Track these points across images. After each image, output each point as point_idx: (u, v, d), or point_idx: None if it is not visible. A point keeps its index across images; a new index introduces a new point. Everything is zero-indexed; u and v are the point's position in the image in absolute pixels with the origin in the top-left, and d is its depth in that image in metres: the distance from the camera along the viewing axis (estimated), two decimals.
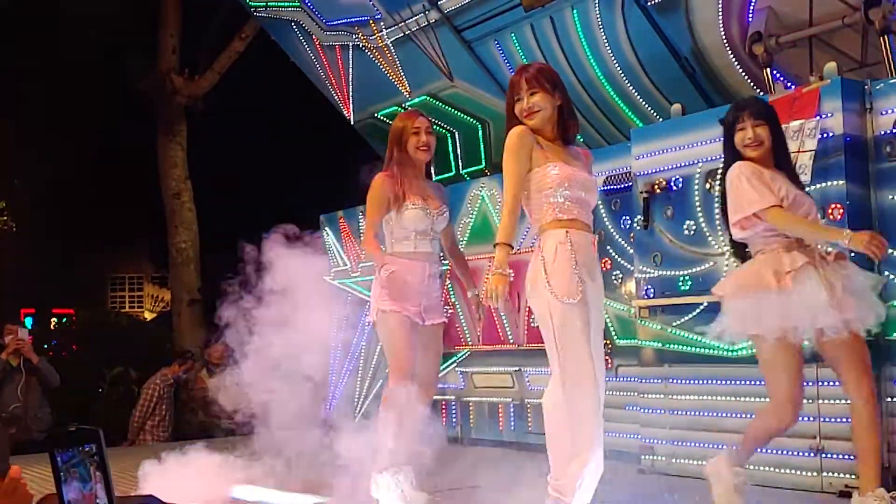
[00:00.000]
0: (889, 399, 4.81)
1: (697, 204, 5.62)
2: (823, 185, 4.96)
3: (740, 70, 6.71)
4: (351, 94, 9.79)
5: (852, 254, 4.18)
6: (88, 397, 12.84)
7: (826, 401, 4.98)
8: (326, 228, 8.99)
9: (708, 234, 5.56)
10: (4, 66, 15.12)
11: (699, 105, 6.79)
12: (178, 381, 9.56)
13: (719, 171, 5.48)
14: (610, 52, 7.40)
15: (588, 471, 3.80)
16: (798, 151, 4.89)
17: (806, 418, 5.05)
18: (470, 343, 7.56)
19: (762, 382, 5.24)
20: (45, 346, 14.35)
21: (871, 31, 5.80)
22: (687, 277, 5.67)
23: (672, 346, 5.76)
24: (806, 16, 6.16)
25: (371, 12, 8.89)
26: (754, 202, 4.06)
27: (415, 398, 4.81)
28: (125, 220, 20.82)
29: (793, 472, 5.09)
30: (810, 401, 5.05)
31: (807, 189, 4.46)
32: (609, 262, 6.32)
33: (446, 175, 9.27)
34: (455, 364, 7.67)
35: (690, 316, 5.64)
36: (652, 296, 5.88)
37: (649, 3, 6.94)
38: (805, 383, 5.05)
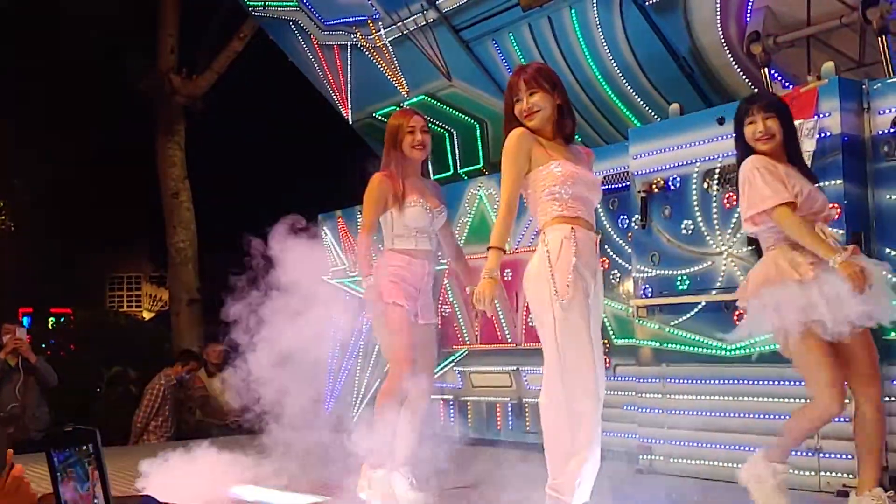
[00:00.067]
0: (888, 399, 4.81)
1: (695, 203, 5.62)
2: (821, 184, 4.95)
3: (738, 70, 6.72)
4: (349, 93, 9.79)
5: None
6: (87, 397, 12.84)
7: None
8: (324, 228, 8.99)
9: (706, 233, 5.57)
10: (4, 66, 15.11)
11: (697, 105, 6.79)
12: (181, 381, 9.56)
13: (717, 170, 5.52)
14: (608, 51, 7.40)
15: (587, 469, 3.80)
16: None
17: None
18: (468, 342, 7.56)
19: (761, 382, 5.27)
20: (43, 346, 14.35)
21: (868, 30, 5.81)
22: (685, 277, 5.68)
23: (670, 345, 5.76)
24: (804, 15, 6.17)
25: (369, 12, 8.90)
26: (767, 198, 4.03)
27: (414, 395, 4.81)
28: (124, 219, 20.81)
29: (791, 471, 5.07)
30: (808, 400, 5.05)
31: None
32: (607, 261, 6.32)
33: (444, 174, 9.28)
34: (453, 363, 7.67)
35: (688, 315, 5.64)
36: (650, 295, 5.88)
37: (647, 3, 6.95)
38: (803, 383, 5.08)
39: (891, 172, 4.89)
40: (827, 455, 4.95)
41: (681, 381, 5.72)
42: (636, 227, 5.98)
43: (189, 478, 5.28)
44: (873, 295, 3.93)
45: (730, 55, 6.69)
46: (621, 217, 6.29)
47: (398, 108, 8.77)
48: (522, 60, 7.94)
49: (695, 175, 5.63)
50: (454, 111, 9.13)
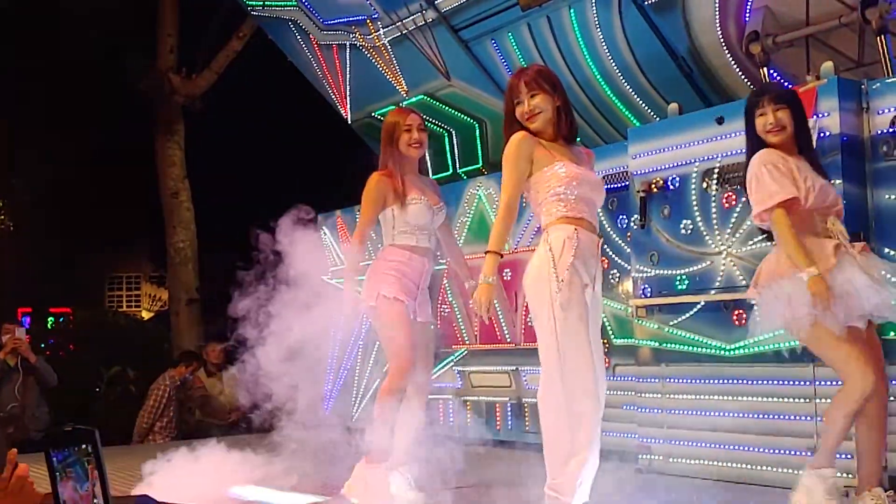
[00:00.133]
0: (889, 399, 4.81)
1: (694, 203, 5.63)
2: None
3: (737, 69, 6.72)
4: (348, 93, 9.79)
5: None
6: (86, 397, 12.84)
7: (823, 400, 4.99)
8: (324, 228, 8.99)
9: (705, 233, 5.57)
10: (4, 66, 15.10)
11: (696, 104, 6.79)
12: (185, 382, 9.58)
13: (716, 170, 5.52)
14: (607, 51, 7.40)
15: (587, 469, 3.81)
16: None
17: (803, 418, 5.07)
18: (467, 342, 7.56)
19: (761, 382, 5.27)
20: (43, 346, 14.36)
21: (867, 30, 5.80)
22: (684, 276, 5.68)
23: (669, 345, 5.76)
24: (803, 15, 6.17)
25: (368, 12, 8.90)
26: (774, 194, 4.03)
27: (412, 394, 4.81)
28: (124, 219, 20.81)
29: (790, 471, 5.09)
30: (807, 400, 5.07)
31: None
32: (606, 261, 6.32)
33: (443, 174, 9.28)
34: (452, 363, 7.67)
35: (687, 315, 5.65)
36: (649, 295, 5.88)
37: (646, 3, 6.95)
38: (802, 382, 5.10)
39: (890, 172, 4.89)
40: None
41: (680, 380, 5.72)
42: (635, 226, 5.98)
43: (202, 477, 5.30)
44: (885, 289, 3.92)
45: (729, 55, 6.70)
46: (620, 217, 6.29)
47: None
48: (521, 60, 7.95)
49: (694, 175, 5.63)
50: (453, 111, 9.13)
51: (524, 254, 6.50)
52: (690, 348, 5.63)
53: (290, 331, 5.04)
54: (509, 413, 7.29)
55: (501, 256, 3.95)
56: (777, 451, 5.13)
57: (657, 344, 5.84)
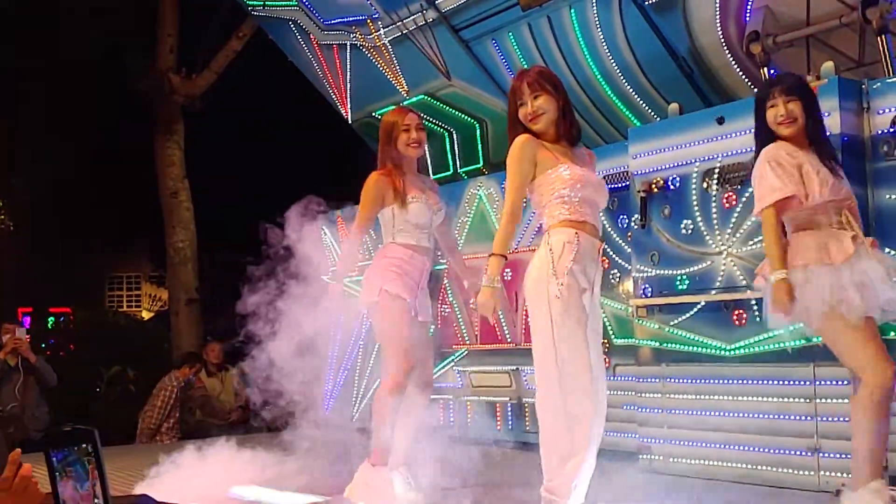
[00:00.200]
0: None
1: (695, 203, 5.62)
2: None
3: (738, 70, 6.72)
4: (348, 93, 9.79)
5: None
6: (86, 397, 12.84)
7: (823, 400, 4.99)
8: (324, 228, 8.98)
9: (705, 233, 5.57)
10: (4, 66, 15.09)
11: (696, 104, 6.79)
12: (189, 383, 9.60)
13: (716, 170, 5.52)
14: (607, 51, 7.40)
15: (583, 471, 3.80)
16: None
17: (803, 417, 5.07)
18: (467, 342, 7.56)
19: (760, 382, 5.27)
20: (43, 346, 14.36)
21: (868, 30, 5.81)
22: (684, 276, 5.68)
23: (669, 345, 5.76)
24: (803, 15, 6.17)
25: (368, 11, 8.90)
26: (771, 193, 4.02)
27: (413, 394, 4.81)
28: (123, 219, 20.82)
29: (790, 471, 5.10)
30: (807, 400, 5.07)
31: None
32: (607, 261, 6.32)
33: (444, 174, 9.28)
34: (452, 363, 7.67)
35: (688, 315, 5.64)
36: (649, 295, 5.88)
37: (647, 3, 6.95)
38: (802, 382, 5.09)
39: (890, 172, 4.89)
40: (826, 454, 4.95)
41: (680, 380, 5.72)
42: (636, 226, 5.98)
43: (212, 476, 5.33)
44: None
45: (729, 55, 6.70)
46: (621, 217, 6.30)
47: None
48: (522, 60, 7.95)
49: (694, 175, 5.63)
50: (454, 111, 9.13)
51: (525, 254, 6.49)
52: (691, 348, 5.63)
53: (298, 327, 5.05)
54: (509, 413, 7.30)
55: (506, 259, 3.95)
56: (777, 451, 5.13)
57: (657, 344, 5.84)
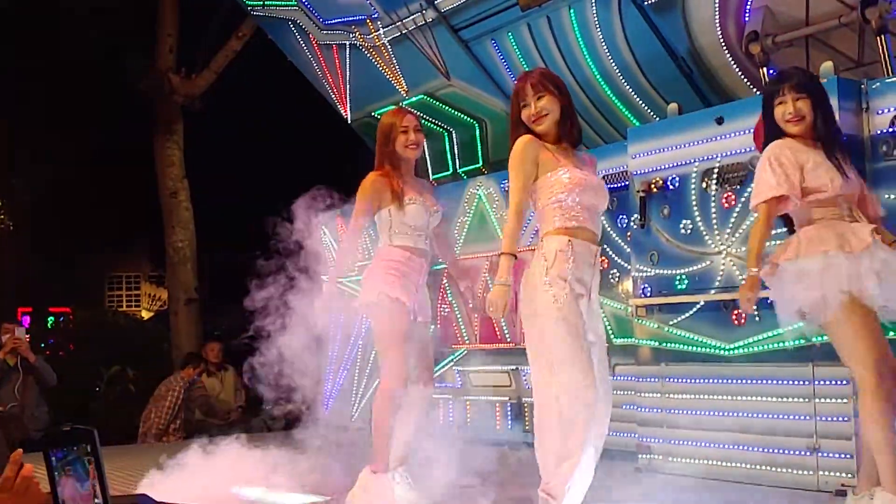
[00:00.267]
0: None
1: (694, 203, 5.63)
2: None
3: (737, 70, 6.72)
4: (348, 93, 9.79)
5: None
6: (86, 396, 12.84)
7: (822, 399, 4.99)
8: (324, 228, 8.98)
9: (704, 232, 5.57)
10: (4, 66, 15.09)
11: (696, 104, 6.80)
12: (193, 383, 9.62)
13: (715, 170, 5.52)
14: (607, 51, 7.40)
15: (578, 473, 3.81)
16: None
17: (802, 417, 5.07)
18: (467, 342, 7.56)
19: (760, 381, 5.28)
20: (43, 345, 14.35)
21: (867, 30, 5.81)
22: (683, 276, 5.68)
23: (669, 344, 5.77)
24: (802, 15, 6.17)
25: (368, 11, 8.90)
26: (765, 191, 4.01)
27: (413, 394, 4.80)
28: (123, 219, 20.81)
29: (789, 470, 5.10)
30: (806, 399, 5.07)
31: None
32: (606, 260, 6.33)
33: (443, 174, 9.29)
34: (452, 363, 7.68)
35: (687, 315, 5.65)
36: (649, 294, 5.88)
37: (646, 3, 6.95)
38: (801, 382, 5.10)
39: (889, 172, 4.89)
40: (825, 454, 4.96)
41: (679, 380, 5.73)
42: (635, 226, 5.99)
43: (214, 475, 5.35)
44: None
45: (728, 55, 6.70)
46: (620, 216, 6.30)
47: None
48: (521, 60, 7.95)
49: (693, 175, 5.64)
50: (453, 111, 9.13)
51: (524, 253, 6.49)
52: (690, 348, 5.64)
53: (298, 327, 5.06)
54: (509, 412, 7.30)
55: (515, 258, 3.94)
56: (776, 451, 5.13)
57: (657, 343, 5.84)
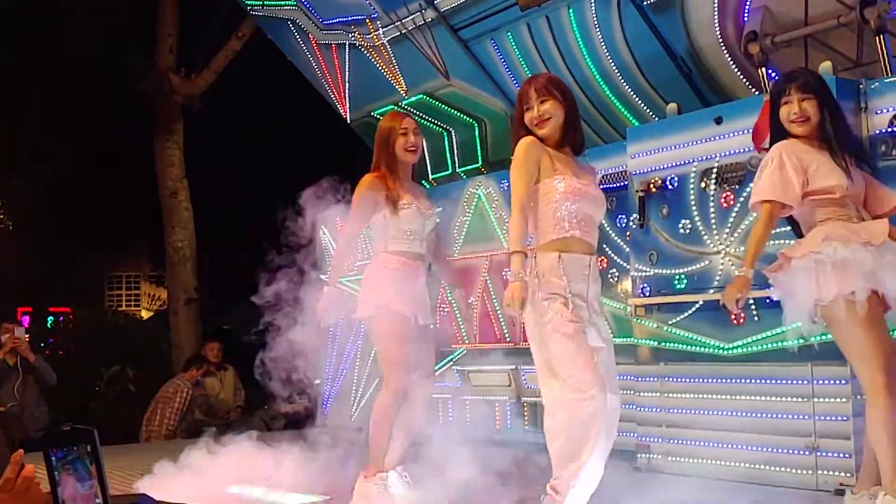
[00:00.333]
0: None
1: (693, 203, 5.63)
2: None
3: (736, 70, 6.72)
4: (347, 93, 9.79)
5: None
6: (86, 396, 12.85)
7: (821, 399, 5.00)
8: (323, 228, 8.98)
9: (703, 232, 5.58)
10: (4, 66, 15.09)
11: (695, 104, 6.80)
12: (197, 384, 9.64)
13: (714, 170, 5.53)
14: (606, 51, 7.40)
15: (584, 473, 3.82)
16: None
17: (801, 417, 5.08)
18: (466, 342, 7.56)
19: (759, 381, 5.28)
20: (42, 345, 14.35)
21: (866, 30, 5.81)
22: (682, 276, 5.69)
23: (668, 344, 5.77)
24: (801, 15, 6.18)
25: (367, 11, 8.89)
26: (762, 192, 4.01)
27: (414, 395, 4.81)
28: (123, 219, 20.79)
29: (788, 470, 5.11)
30: (806, 399, 5.08)
31: None
32: (605, 260, 6.34)
33: (443, 174, 9.29)
34: (451, 362, 7.68)
35: (686, 314, 5.66)
36: (648, 294, 5.89)
37: (645, 3, 6.95)
38: (800, 382, 5.10)
39: (889, 171, 4.89)
40: (824, 454, 4.96)
41: (679, 379, 5.73)
42: (634, 226, 5.99)
43: (215, 475, 5.38)
44: None
45: (727, 55, 6.70)
46: (619, 216, 6.30)
47: (397, 108, 8.80)
48: (521, 60, 7.95)
49: (692, 174, 5.64)
50: (452, 110, 9.13)
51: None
52: (689, 347, 5.64)
53: (299, 327, 5.07)
54: (509, 412, 7.30)
55: (525, 256, 3.93)
56: (775, 450, 5.14)
57: (656, 343, 5.85)
